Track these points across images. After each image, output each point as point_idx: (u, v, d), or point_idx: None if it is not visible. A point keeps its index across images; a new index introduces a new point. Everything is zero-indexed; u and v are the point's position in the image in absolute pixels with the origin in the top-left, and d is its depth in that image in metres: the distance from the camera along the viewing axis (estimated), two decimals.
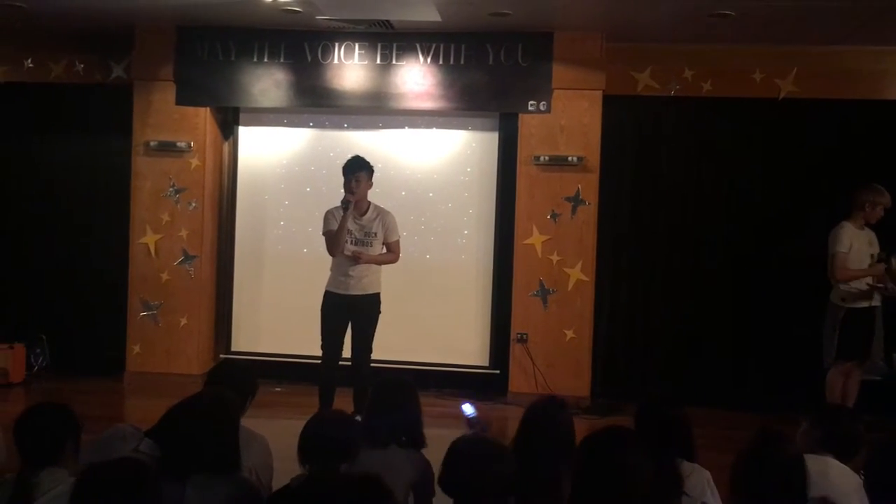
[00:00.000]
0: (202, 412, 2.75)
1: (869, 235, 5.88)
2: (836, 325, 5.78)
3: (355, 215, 5.45)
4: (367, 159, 5.51)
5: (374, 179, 6.83)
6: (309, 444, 2.78)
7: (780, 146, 6.71)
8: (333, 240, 5.42)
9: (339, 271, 5.48)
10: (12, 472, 2.78)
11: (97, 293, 7.28)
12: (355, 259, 5.38)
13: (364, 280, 5.45)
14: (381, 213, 5.53)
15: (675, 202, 6.86)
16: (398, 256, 5.61)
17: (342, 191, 5.47)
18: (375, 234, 5.48)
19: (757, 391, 6.53)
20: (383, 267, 5.64)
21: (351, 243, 5.44)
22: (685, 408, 3.19)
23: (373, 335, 5.53)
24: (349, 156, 5.66)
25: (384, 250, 5.55)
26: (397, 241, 5.58)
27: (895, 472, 2.55)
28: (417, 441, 3.23)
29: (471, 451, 2.56)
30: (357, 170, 5.41)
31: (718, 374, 6.68)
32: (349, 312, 5.47)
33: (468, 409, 2.82)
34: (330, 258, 5.54)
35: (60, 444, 2.73)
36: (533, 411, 3.05)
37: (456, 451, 2.57)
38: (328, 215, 5.50)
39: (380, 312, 5.54)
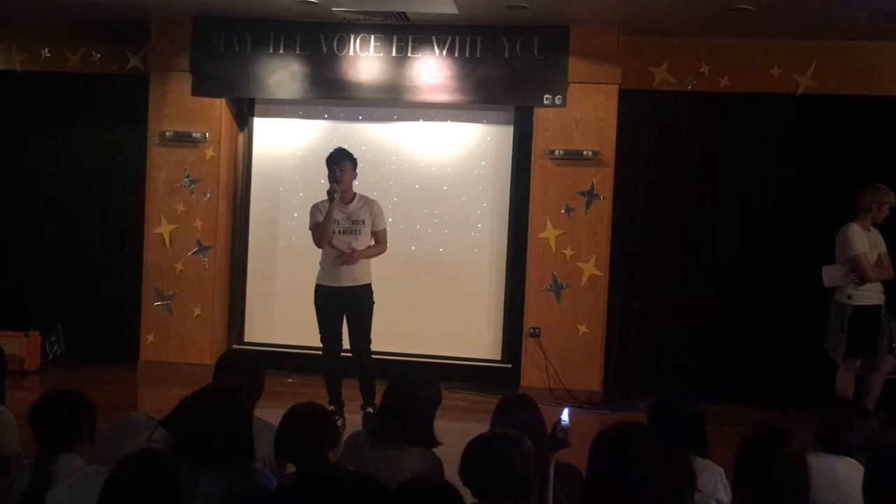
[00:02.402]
0: (217, 403, 2.75)
1: (875, 236, 5.85)
2: (843, 323, 5.75)
3: (341, 205, 5.45)
4: (350, 150, 5.52)
5: (388, 172, 6.93)
6: (282, 443, 2.75)
7: (798, 142, 6.66)
8: (320, 231, 5.43)
9: (328, 264, 5.49)
10: (28, 458, 2.80)
11: (112, 282, 7.32)
12: (347, 261, 5.37)
13: (355, 271, 5.46)
14: (368, 202, 5.54)
15: (691, 198, 6.82)
16: (386, 246, 5.61)
17: (324, 181, 5.49)
18: (363, 221, 5.48)
19: (771, 388, 6.49)
20: (387, 258, 5.66)
21: (339, 233, 5.44)
22: (698, 404, 3.18)
23: (370, 326, 5.55)
24: (363, 148, 5.65)
25: (372, 240, 5.54)
26: (384, 230, 5.58)
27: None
28: (428, 440, 3.14)
29: (491, 444, 2.55)
30: (341, 160, 5.43)
31: (732, 370, 6.64)
32: (343, 305, 5.49)
33: (566, 416, 2.76)
34: (320, 252, 5.55)
35: (75, 430, 2.75)
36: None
37: (476, 444, 2.56)
38: (314, 209, 5.51)
39: (373, 302, 5.56)
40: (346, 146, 5.63)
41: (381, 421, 3.20)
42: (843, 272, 5.75)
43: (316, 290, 5.55)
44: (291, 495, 2.55)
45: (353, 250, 5.41)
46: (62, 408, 2.78)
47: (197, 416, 2.73)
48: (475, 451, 2.53)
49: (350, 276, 5.45)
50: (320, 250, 5.58)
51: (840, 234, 5.82)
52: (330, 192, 5.40)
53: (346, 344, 5.63)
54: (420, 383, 3.27)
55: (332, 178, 5.41)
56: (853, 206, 5.88)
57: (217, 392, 2.84)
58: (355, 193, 5.54)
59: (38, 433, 2.78)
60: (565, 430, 2.72)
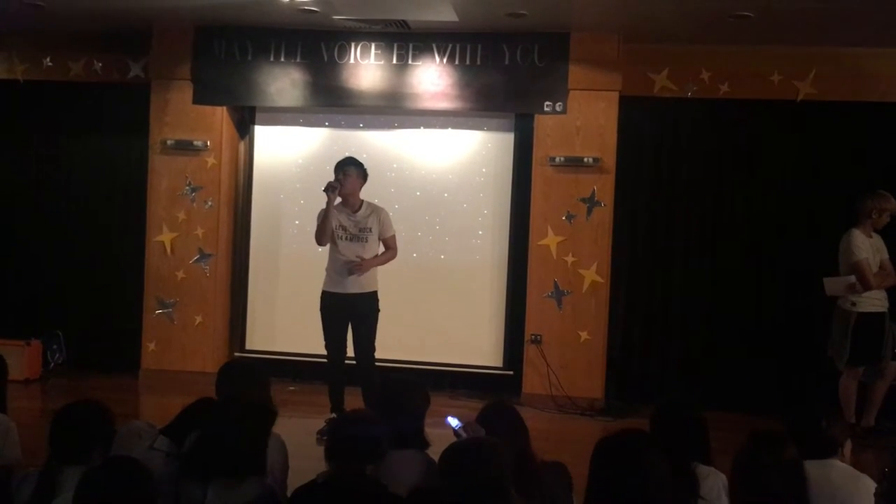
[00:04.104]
0: (239, 418, 2.74)
1: (877, 242, 5.85)
2: (847, 330, 5.75)
3: (348, 212, 5.48)
4: (360, 160, 5.57)
5: (389, 179, 6.93)
6: (338, 443, 2.78)
7: (798, 148, 6.67)
8: (320, 227, 5.45)
9: (335, 271, 5.49)
10: (34, 467, 2.79)
11: (114, 290, 7.32)
12: (356, 270, 5.39)
13: (362, 278, 5.48)
14: (375, 209, 5.57)
15: (692, 204, 6.82)
16: (396, 252, 5.65)
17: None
18: (370, 229, 5.50)
19: (774, 394, 6.48)
20: (388, 266, 5.67)
21: (346, 239, 5.46)
22: (701, 410, 3.17)
23: (374, 334, 5.56)
24: (364, 155, 5.69)
25: (381, 247, 5.57)
26: (393, 237, 5.62)
27: None
28: (420, 442, 3.19)
29: (462, 455, 2.55)
30: (346, 165, 5.48)
31: (735, 376, 6.63)
32: (349, 312, 5.50)
33: (453, 421, 2.81)
34: (327, 260, 5.57)
35: (91, 445, 2.73)
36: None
37: (448, 457, 2.57)
38: (321, 212, 5.54)
39: (379, 310, 5.57)
40: (348, 154, 5.66)
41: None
42: (845, 284, 5.75)
43: (322, 297, 5.55)
44: (319, 492, 2.55)
45: (361, 259, 5.42)
46: (84, 420, 2.76)
47: (219, 431, 2.70)
48: (451, 460, 2.53)
49: (357, 284, 5.46)
50: (325, 258, 5.59)
51: (843, 240, 5.83)
52: (327, 187, 5.39)
53: (349, 352, 5.63)
54: (409, 388, 3.33)
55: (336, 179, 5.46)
56: (855, 212, 5.88)
57: (239, 408, 2.82)
58: (363, 201, 5.55)
59: (55, 441, 2.75)
60: (465, 429, 2.75)
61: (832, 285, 5.84)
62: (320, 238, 5.50)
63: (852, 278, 5.73)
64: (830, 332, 5.92)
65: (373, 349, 5.56)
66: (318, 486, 2.61)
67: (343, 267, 5.44)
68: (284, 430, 3.30)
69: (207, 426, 2.75)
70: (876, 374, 5.82)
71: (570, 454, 3.11)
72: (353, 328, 5.55)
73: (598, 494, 2.36)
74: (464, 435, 2.76)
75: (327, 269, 5.57)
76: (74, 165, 7.46)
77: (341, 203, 5.51)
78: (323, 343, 5.59)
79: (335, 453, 2.77)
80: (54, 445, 2.73)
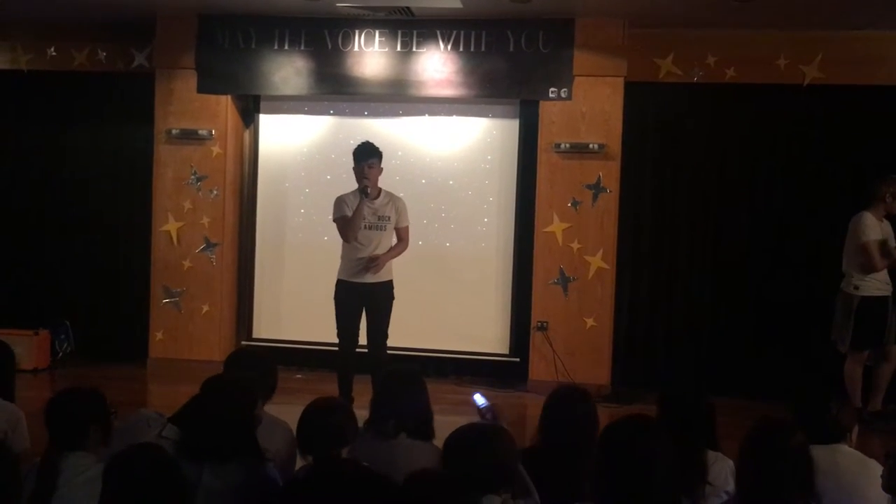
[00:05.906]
0: (217, 398, 2.77)
1: (886, 227, 5.84)
2: (850, 314, 5.74)
3: (367, 201, 5.45)
4: (378, 146, 5.52)
5: (395, 167, 6.92)
6: (305, 434, 2.79)
7: (805, 133, 6.63)
8: (349, 225, 5.42)
9: (352, 259, 5.49)
10: (37, 457, 2.81)
11: (121, 280, 7.35)
12: (373, 267, 5.38)
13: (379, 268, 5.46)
14: (393, 198, 5.56)
15: (698, 190, 6.80)
16: (408, 244, 5.63)
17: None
18: (389, 217, 5.49)
19: (780, 379, 6.47)
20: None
21: (365, 228, 5.45)
22: (707, 396, 3.17)
23: (388, 322, 5.56)
24: None
25: (394, 237, 5.57)
26: (407, 228, 5.60)
27: None
28: (426, 432, 3.20)
29: (465, 440, 2.56)
30: (371, 156, 5.43)
31: (741, 362, 6.63)
32: (364, 300, 5.50)
33: (479, 399, 2.82)
34: (340, 248, 5.57)
35: (86, 429, 2.75)
36: (555, 400, 3.04)
37: (452, 442, 2.58)
38: (339, 202, 5.52)
39: (393, 298, 5.57)
40: (352, 142, 5.63)
41: (375, 418, 3.22)
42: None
43: (337, 285, 5.54)
44: (302, 487, 2.56)
45: (376, 256, 5.42)
46: (74, 406, 2.79)
47: (202, 411, 2.74)
48: (453, 446, 2.54)
49: (374, 273, 5.45)
50: (332, 245, 5.60)
51: (853, 221, 5.82)
52: (362, 189, 5.37)
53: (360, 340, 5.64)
54: (405, 380, 3.33)
55: (360, 173, 5.40)
56: (867, 195, 5.86)
57: (218, 388, 2.85)
58: (381, 189, 5.54)
59: (50, 429, 2.79)
60: (490, 411, 2.75)
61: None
62: (348, 236, 5.44)
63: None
64: (833, 316, 5.91)
65: (386, 337, 5.56)
66: (300, 481, 2.62)
67: (359, 261, 5.43)
68: (291, 419, 3.31)
69: (197, 408, 2.78)
70: (881, 358, 5.82)
71: None
72: (367, 317, 5.55)
73: (605, 481, 2.37)
74: (487, 416, 2.77)
75: (343, 258, 5.56)
76: (79, 155, 7.46)
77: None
78: (335, 331, 5.58)
79: (306, 445, 2.79)
80: (51, 433, 2.77)
